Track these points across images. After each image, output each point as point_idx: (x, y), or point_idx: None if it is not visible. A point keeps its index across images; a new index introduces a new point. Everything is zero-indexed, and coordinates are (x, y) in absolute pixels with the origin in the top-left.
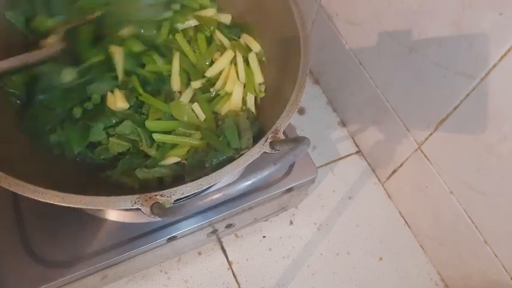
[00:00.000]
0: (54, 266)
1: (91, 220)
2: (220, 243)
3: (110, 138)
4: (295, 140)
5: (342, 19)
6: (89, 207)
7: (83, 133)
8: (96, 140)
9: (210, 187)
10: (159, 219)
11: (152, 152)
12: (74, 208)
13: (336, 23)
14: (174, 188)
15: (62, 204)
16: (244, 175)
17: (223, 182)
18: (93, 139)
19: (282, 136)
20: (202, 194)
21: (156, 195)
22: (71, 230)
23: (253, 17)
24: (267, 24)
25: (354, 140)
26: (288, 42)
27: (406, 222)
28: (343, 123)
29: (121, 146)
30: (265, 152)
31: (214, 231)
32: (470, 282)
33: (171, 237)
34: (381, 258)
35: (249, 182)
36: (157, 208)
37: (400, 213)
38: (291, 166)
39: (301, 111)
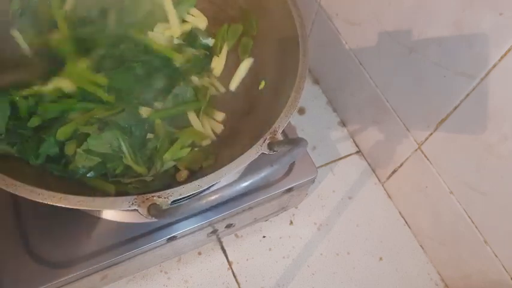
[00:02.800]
0: (54, 266)
1: (91, 220)
2: (220, 243)
3: (77, 150)
4: (293, 142)
5: (342, 19)
6: (85, 208)
7: (34, 146)
8: (48, 153)
9: (208, 188)
10: (156, 220)
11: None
12: (73, 208)
13: (335, 23)
14: (172, 189)
15: (59, 205)
16: (242, 176)
17: (221, 182)
18: (44, 153)
19: (280, 137)
20: (200, 195)
21: (153, 197)
22: (71, 230)
23: (252, 17)
24: (266, 23)
25: (354, 140)
26: (287, 42)
27: (406, 222)
28: (343, 123)
29: (89, 161)
30: (263, 153)
31: (214, 231)
32: (470, 282)
33: (171, 237)
34: (380, 258)
35: (246, 184)
36: (154, 209)
37: (400, 213)
38: (291, 166)
39: (301, 111)
